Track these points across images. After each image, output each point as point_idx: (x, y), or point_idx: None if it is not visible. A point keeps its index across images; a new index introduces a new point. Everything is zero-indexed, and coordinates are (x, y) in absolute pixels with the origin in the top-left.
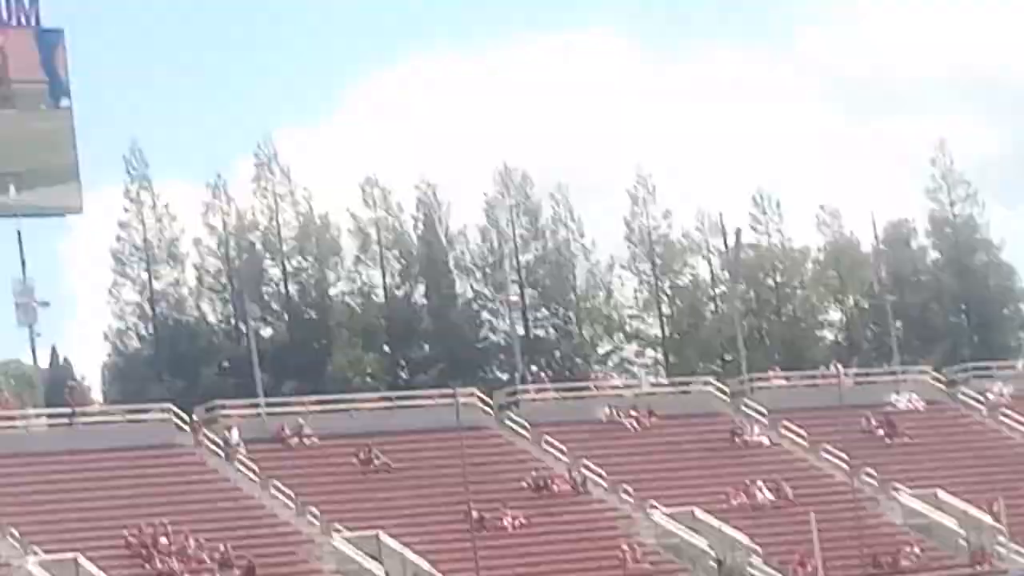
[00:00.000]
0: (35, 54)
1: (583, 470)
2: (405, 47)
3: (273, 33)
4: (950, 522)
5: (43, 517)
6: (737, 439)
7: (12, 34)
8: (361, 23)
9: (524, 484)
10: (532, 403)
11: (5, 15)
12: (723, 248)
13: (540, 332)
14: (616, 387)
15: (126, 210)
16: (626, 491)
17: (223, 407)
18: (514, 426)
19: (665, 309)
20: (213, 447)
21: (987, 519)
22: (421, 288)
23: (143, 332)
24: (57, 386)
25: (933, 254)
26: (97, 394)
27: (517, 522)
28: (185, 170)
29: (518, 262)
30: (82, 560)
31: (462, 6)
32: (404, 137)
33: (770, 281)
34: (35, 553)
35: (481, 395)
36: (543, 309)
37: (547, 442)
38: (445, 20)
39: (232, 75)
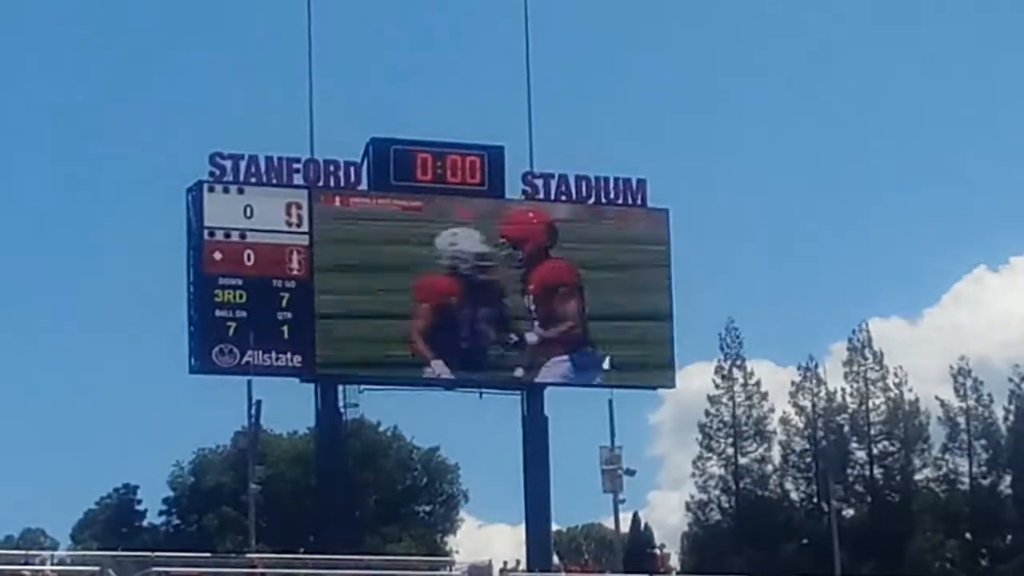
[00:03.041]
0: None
1: None
2: (1010, 250)
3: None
4: None
5: None
6: None
7: (627, 212)
8: (973, 227)
9: None
10: None
11: (617, 196)
12: None
13: None
14: None
15: (717, 386)
16: None
17: None
18: None
19: None
20: None
21: None
22: (1007, 479)
23: (725, 505)
24: (637, 552)
25: None
26: (675, 562)
27: None
28: (777, 351)
29: None
30: None
31: None
32: (1002, 330)
33: None
34: None
35: None
36: None
37: None
38: None
39: (828, 264)
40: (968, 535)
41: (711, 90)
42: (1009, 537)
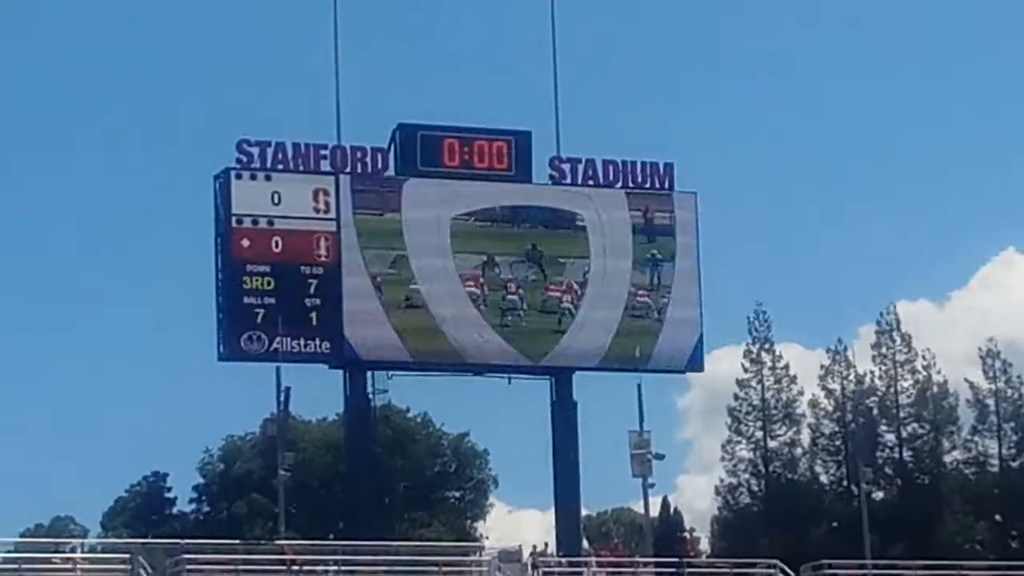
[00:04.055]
0: (671, 215)
1: None
2: None
3: (897, 209)
4: None
5: None
6: None
7: (653, 197)
8: (1002, 208)
9: None
10: None
11: (644, 180)
12: None
13: None
14: None
15: (746, 370)
16: None
17: (829, 566)
18: None
19: None
20: None
21: None
22: None
23: (755, 488)
24: (666, 536)
25: None
26: (704, 546)
27: None
28: (805, 335)
29: None
30: None
31: None
32: None
33: None
34: None
35: None
36: None
37: None
38: None
39: (855, 246)
40: (998, 517)
41: (739, 73)
42: None
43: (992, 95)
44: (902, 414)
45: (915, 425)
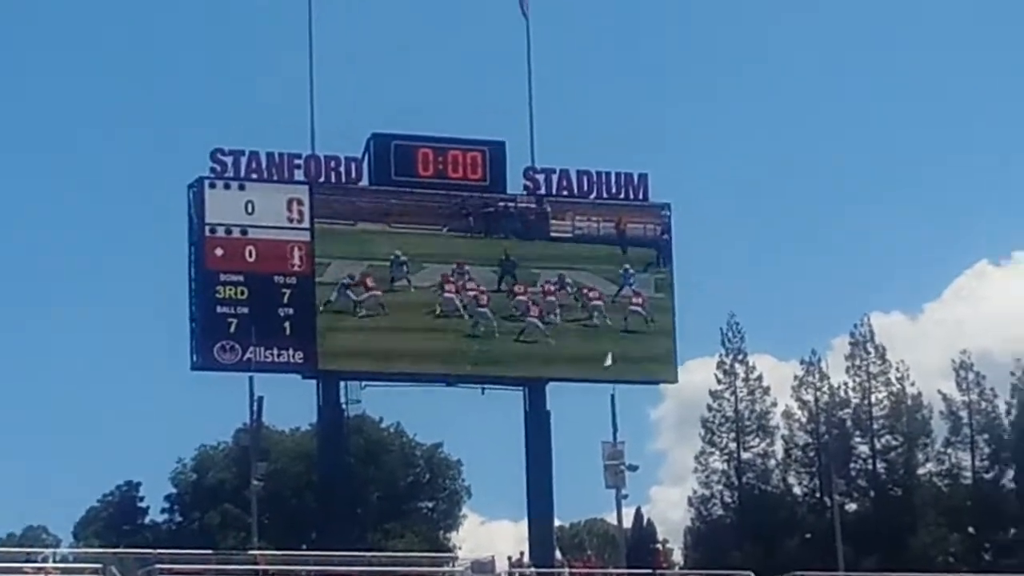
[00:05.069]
0: (644, 226)
1: None
2: (1013, 244)
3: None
4: None
5: None
6: None
7: (627, 207)
8: (975, 221)
9: None
10: None
11: (618, 191)
12: None
13: None
14: None
15: (719, 381)
16: None
17: None
18: None
19: None
20: None
21: None
22: (1010, 473)
23: (728, 500)
24: (639, 547)
25: None
26: (677, 557)
27: None
28: (779, 346)
29: None
30: None
31: None
32: (1004, 324)
33: None
34: None
35: None
36: None
37: None
38: None
39: (829, 258)
40: (971, 529)
41: (712, 84)
42: (1012, 531)
43: (964, 109)
44: (875, 426)
45: (888, 437)
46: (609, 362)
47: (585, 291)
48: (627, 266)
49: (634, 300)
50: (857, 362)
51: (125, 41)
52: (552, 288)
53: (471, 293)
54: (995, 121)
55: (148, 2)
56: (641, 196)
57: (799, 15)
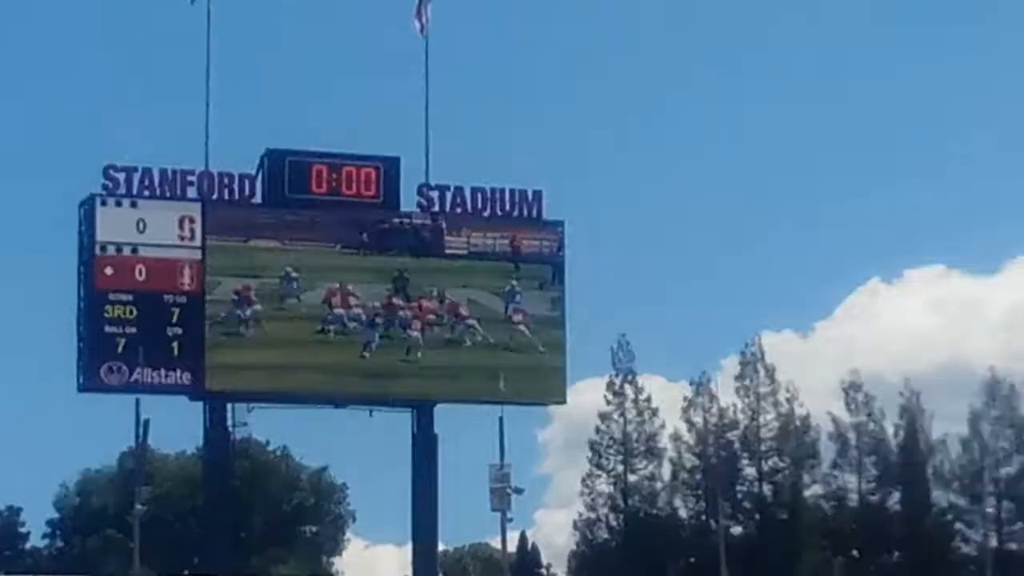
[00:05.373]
0: (539, 244)
1: None
2: (904, 263)
3: (763, 239)
4: None
5: None
6: None
7: (521, 225)
8: (863, 240)
9: None
10: None
11: (512, 209)
12: None
13: (1013, 546)
14: None
15: (608, 402)
16: None
17: None
18: None
19: None
20: None
21: None
22: (896, 495)
23: (613, 523)
24: (524, 572)
25: None
26: None
27: None
28: (670, 367)
29: (998, 475)
30: None
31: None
32: (895, 343)
33: None
34: None
35: None
36: (1019, 523)
37: None
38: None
39: (720, 276)
40: (855, 552)
41: (606, 101)
42: (896, 554)
43: (856, 128)
44: (763, 447)
45: (776, 459)
46: (502, 385)
47: (476, 310)
48: (514, 283)
49: (514, 318)
50: (747, 383)
51: (15, 53)
52: (442, 307)
53: (358, 311)
54: (885, 139)
55: (40, 14)
56: (535, 213)
57: (689, 29)
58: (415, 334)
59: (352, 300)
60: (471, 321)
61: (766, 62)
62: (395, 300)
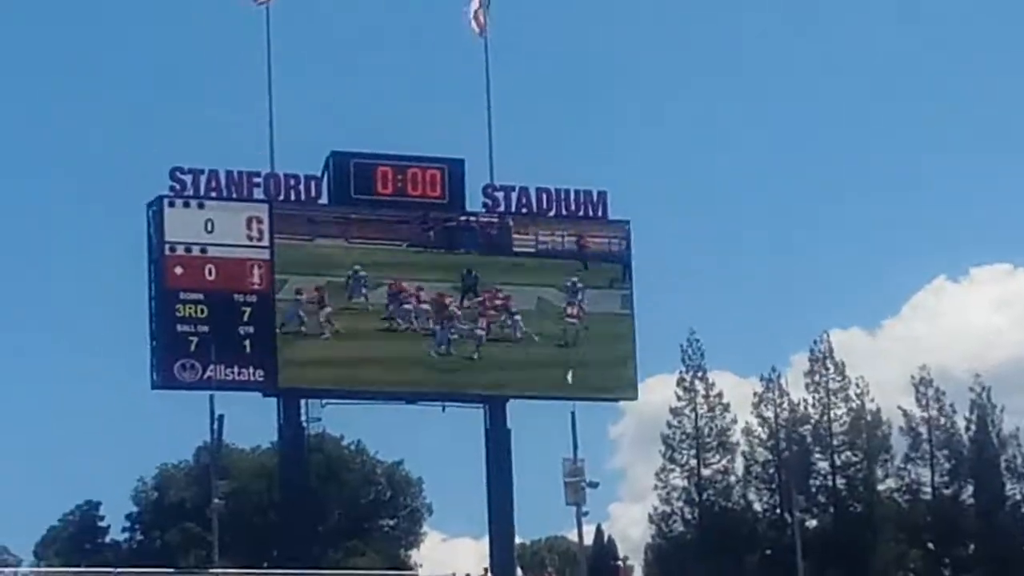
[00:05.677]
0: (606, 243)
1: None
2: (970, 261)
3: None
4: None
5: None
6: None
7: (587, 224)
8: (933, 237)
9: None
10: None
11: (578, 209)
12: None
13: None
14: None
15: (679, 397)
16: None
17: None
18: None
19: None
20: None
21: None
22: (969, 488)
23: (688, 516)
24: (600, 565)
25: None
26: (638, 574)
27: None
28: (739, 363)
29: None
30: None
31: None
32: (962, 340)
33: None
34: None
35: None
36: None
37: None
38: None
39: (788, 274)
40: (931, 545)
41: (672, 101)
42: (972, 547)
43: (920, 124)
44: (835, 442)
45: (848, 453)
46: (571, 380)
47: (546, 308)
48: (575, 279)
49: (596, 317)
50: (816, 378)
51: (83, 59)
52: (513, 305)
53: (426, 307)
54: (954, 137)
55: (108, 20)
56: (600, 213)
57: (754, 31)
58: (481, 332)
59: (420, 296)
60: (572, 320)
61: (836, 56)
62: (463, 297)
